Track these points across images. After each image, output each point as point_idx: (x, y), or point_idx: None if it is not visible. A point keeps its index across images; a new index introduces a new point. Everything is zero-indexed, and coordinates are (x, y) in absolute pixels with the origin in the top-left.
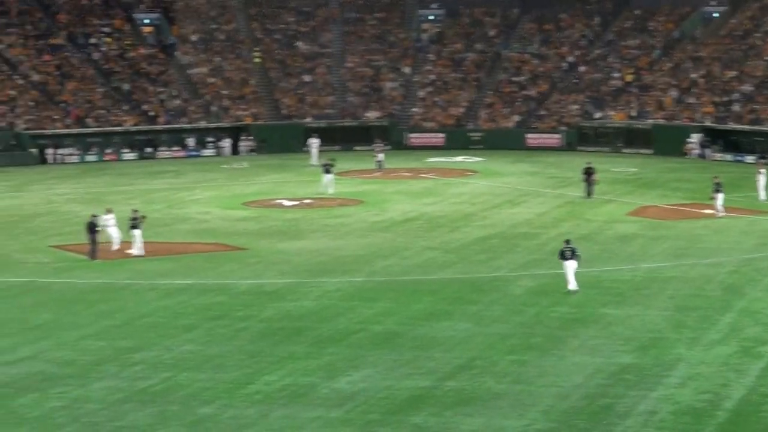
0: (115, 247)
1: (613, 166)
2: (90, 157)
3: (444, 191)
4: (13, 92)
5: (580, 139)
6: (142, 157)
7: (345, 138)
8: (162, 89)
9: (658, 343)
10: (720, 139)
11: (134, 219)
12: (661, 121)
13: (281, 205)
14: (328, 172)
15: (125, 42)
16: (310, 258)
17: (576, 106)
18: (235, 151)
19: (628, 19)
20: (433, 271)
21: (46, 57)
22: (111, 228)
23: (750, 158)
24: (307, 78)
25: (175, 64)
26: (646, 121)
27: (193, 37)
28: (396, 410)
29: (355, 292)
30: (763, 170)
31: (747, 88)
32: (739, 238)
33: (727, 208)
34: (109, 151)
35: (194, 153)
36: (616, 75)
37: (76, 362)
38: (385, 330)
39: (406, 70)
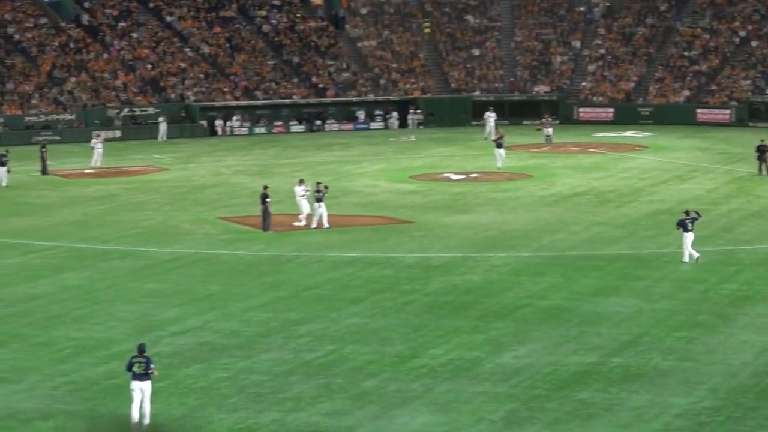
0: (303, 221)
1: None
2: (259, 129)
3: (613, 166)
4: (183, 64)
5: (750, 114)
6: (311, 130)
7: (513, 112)
8: (331, 62)
9: None
10: None
11: (318, 191)
12: None
13: (448, 179)
14: (500, 146)
15: (295, 15)
16: (477, 232)
17: (747, 82)
18: (403, 124)
19: None
20: (600, 246)
21: (217, 29)
22: (301, 199)
23: None
24: (476, 51)
25: (345, 37)
26: None
27: (363, 11)
28: (561, 386)
29: (521, 267)
30: None
31: None
32: None
33: None
34: (277, 123)
35: (362, 126)
36: None
37: (243, 333)
38: (552, 305)
39: (576, 44)
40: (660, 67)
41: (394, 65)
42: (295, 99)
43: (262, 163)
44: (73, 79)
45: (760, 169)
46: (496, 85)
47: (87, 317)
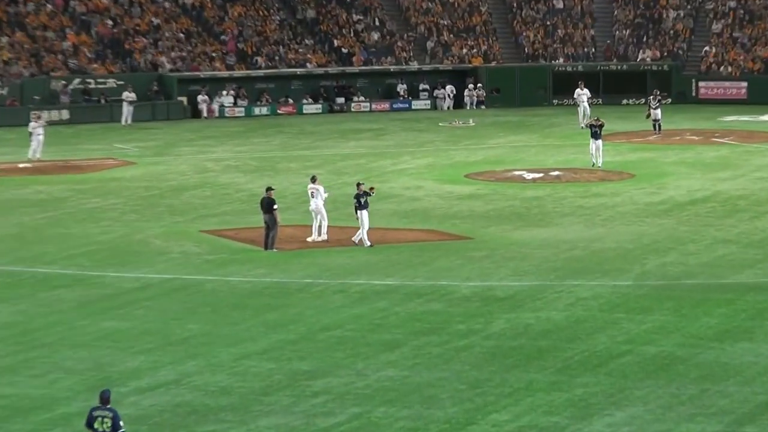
0: (317, 235)
1: None
2: (259, 110)
3: (745, 162)
4: (156, 20)
5: None
6: (331, 111)
7: (609, 87)
8: (359, 18)
9: None
10: None
11: (360, 196)
12: None
13: (520, 179)
14: (596, 136)
15: None
16: (558, 252)
17: None
18: (458, 103)
19: None
20: (727, 272)
21: None
22: (313, 206)
23: None
24: (558, 4)
25: None
26: None
27: None
28: None
29: (619, 301)
30: None
31: None
32: None
33: None
34: (285, 101)
35: (402, 105)
36: None
37: (235, 390)
38: (661, 353)
39: None
40: None
41: (446, 22)
42: (310, 68)
43: (264, 155)
44: (4, 40)
45: None
46: (586, 50)
47: (20, 367)
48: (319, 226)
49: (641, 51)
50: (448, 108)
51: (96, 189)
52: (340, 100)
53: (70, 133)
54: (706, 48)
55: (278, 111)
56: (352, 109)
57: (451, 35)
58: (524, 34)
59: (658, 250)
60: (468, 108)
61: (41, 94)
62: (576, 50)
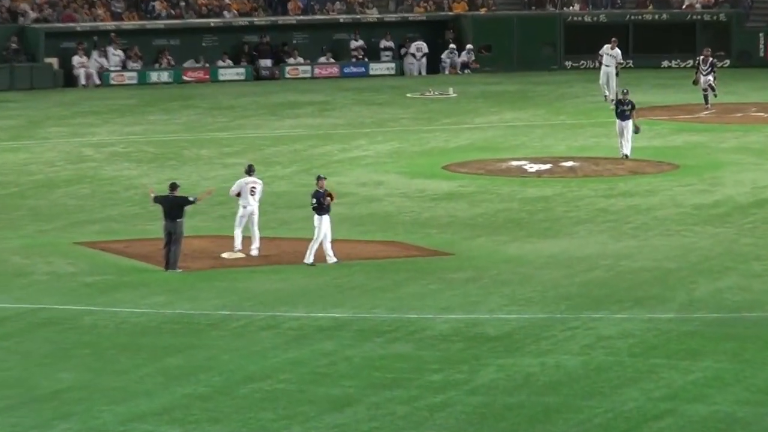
0: (239, 248)
1: None
2: (158, 75)
3: None
4: None
5: None
6: (258, 77)
7: (644, 44)
8: None
9: None
10: None
11: (320, 196)
12: None
13: (519, 172)
14: (624, 116)
15: None
16: (572, 274)
17: None
18: (433, 66)
19: None
20: None
21: None
22: (250, 208)
23: None
24: None
25: None
26: None
27: None
28: None
29: (657, 341)
30: None
31: None
32: None
33: None
34: (193, 63)
35: (356, 70)
36: None
37: None
38: (714, 414)
39: None
40: None
41: None
42: (228, 18)
43: (165, 139)
44: None
45: None
46: None
47: None
48: (247, 237)
49: None
50: (420, 73)
51: None
52: (269, 62)
53: None
54: None
55: (184, 77)
56: (287, 75)
57: None
58: None
59: (710, 270)
60: (447, 73)
61: None
62: None
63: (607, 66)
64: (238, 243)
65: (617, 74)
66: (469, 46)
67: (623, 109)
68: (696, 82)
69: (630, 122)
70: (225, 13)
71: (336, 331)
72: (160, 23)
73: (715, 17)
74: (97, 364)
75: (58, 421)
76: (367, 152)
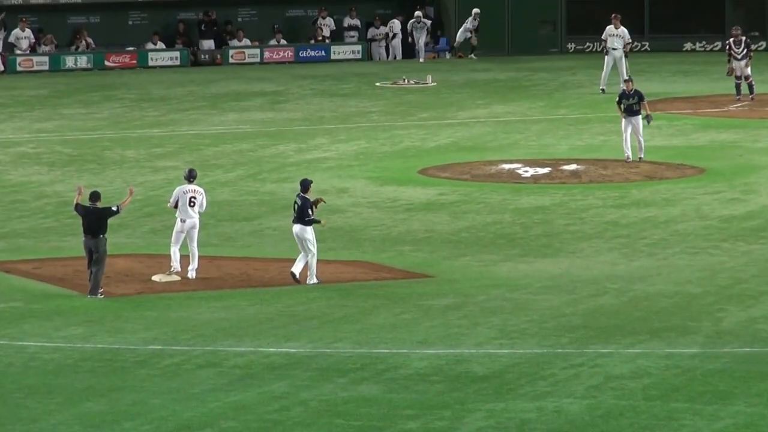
0: (175, 269)
1: None
2: (75, 60)
3: None
4: None
5: None
6: (196, 62)
7: (660, 23)
8: None
9: None
10: None
11: (305, 202)
12: None
13: (512, 176)
14: (632, 111)
15: None
16: (576, 300)
17: None
18: (408, 50)
19: None
20: None
21: None
22: (189, 221)
23: None
24: None
25: None
26: None
27: None
28: None
29: (678, 381)
30: None
31: None
32: None
33: None
34: (118, 46)
35: (315, 53)
36: None
37: None
38: None
39: None
40: None
41: None
42: None
43: (83, 137)
44: None
45: None
46: None
47: None
48: (185, 257)
49: None
50: (393, 57)
51: None
52: (210, 43)
53: None
54: None
55: (106, 62)
56: (231, 60)
57: None
58: None
59: (741, 296)
60: (422, 59)
61: None
62: None
63: (615, 49)
64: (175, 263)
65: (626, 56)
66: (476, 10)
67: (630, 104)
68: (731, 72)
69: (639, 118)
70: None
71: (290, 369)
72: None
73: None
74: (0, 410)
75: None
76: (328, 153)
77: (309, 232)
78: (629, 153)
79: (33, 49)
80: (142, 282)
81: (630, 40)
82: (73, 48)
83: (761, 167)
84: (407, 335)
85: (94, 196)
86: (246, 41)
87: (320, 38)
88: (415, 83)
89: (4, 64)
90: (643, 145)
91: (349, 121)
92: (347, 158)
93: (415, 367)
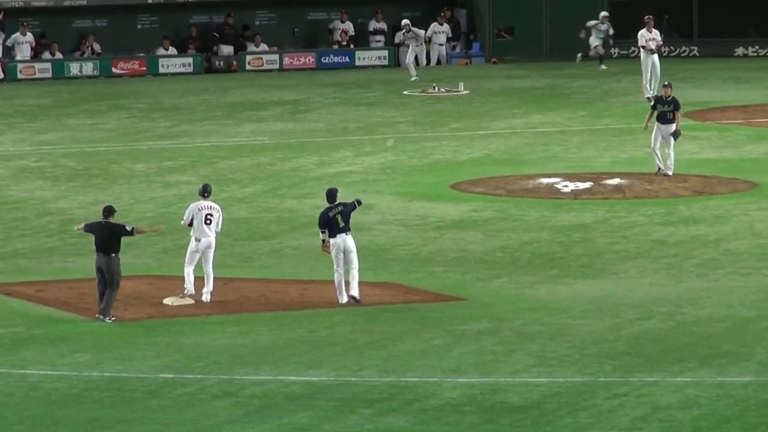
0: (189, 292)
1: None
2: (81, 67)
3: None
4: None
5: None
6: (210, 69)
7: (710, 26)
8: None
9: None
10: None
11: (350, 207)
12: None
13: (551, 192)
14: (665, 119)
15: None
16: (620, 324)
17: None
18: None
19: None
20: None
21: None
22: (205, 241)
23: None
24: None
25: None
26: None
27: None
28: None
29: (731, 412)
30: None
31: None
32: None
33: None
34: (128, 52)
35: (338, 60)
36: None
37: None
38: None
39: None
40: None
41: None
42: None
43: (89, 150)
44: None
45: None
46: None
47: None
48: (200, 277)
49: None
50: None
51: None
52: (227, 49)
53: None
54: None
55: (114, 69)
56: (248, 66)
57: None
58: None
59: None
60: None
61: None
62: None
63: (652, 52)
64: (189, 285)
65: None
66: (603, 13)
67: (663, 110)
68: None
69: (673, 126)
70: None
71: (312, 399)
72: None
73: None
74: None
75: None
76: (352, 167)
77: (352, 242)
78: (662, 164)
79: (35, 56)
80: (153, 305)
81: (661, 42)
82: (78, 54)
83: None
84: (438, 363)
85: (107, 211)
86: (264, 46)
87: (336, 44)
88: (446, 91)
89: (4, 71)
90: (673, 160)
91: (375, 132)
92: (373, 172)
93: (447, 397)
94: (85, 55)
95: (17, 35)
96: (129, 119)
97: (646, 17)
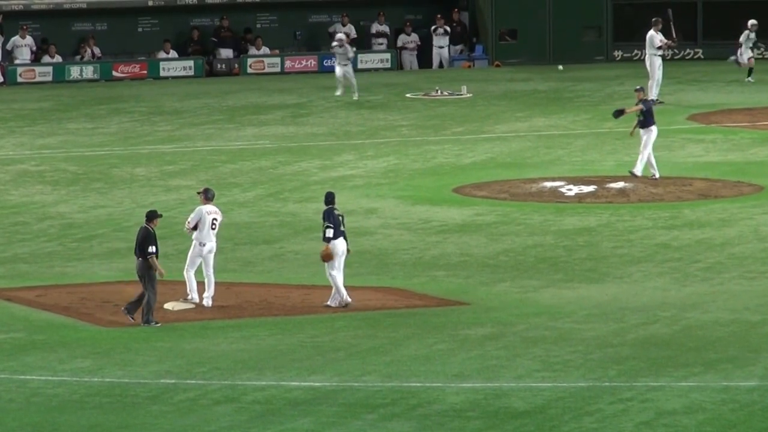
0: (190, 297)
1: None
2: (81, 71)
3: None
4: None
5: None
6: (211, 72)
7: (715, 29)
8: None
9: None
10: None
11: (331, 215)
12: None
13: (554, 196)
14: (647, 119)
15: None
16: (624, 329)
17: None
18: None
19: None
20: None
21: None
22: (209, 245)
23: None
24: None
25: None
26: None
27: None
28: None
29: (736, 417)
30: None
31: None
32: None
33: None
34: (128, 55)
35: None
36: None
37: None
38: None
39: None
40: None
41: None
42: None
43: (90, 154)
44: None
45: None
46: None
47: None
48: (201, 282)
49: None
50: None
51: None
52: (227, 52)
53: None
54: None
55: (114, 72)
56: (249, 69)
57: None
58: None
59: None
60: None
61: None
62: None
63: (653, 55)
64: (192, 290)
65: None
66: (752, 22)
67: (647, 118)
68: None
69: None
70: None
71: (314, 405)
72: (81, 2)
73: None
74: None
75: None
76: (354, 170)
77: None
78: (656, 171)
79: (35, 59)
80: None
81: (665, 41)
82: (78, 57)
83: None
84: (441, 367)
85: (148, 216)
86: (265, 49)
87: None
88: (449, 94)
89: (3, 75)
90: (641, 161)
91: (378, 135)
92: (376, 176)
93: (450, 402)
94: (85, 59)
95: (16, 38)
96: (130, 123)
97: (654, 19)
